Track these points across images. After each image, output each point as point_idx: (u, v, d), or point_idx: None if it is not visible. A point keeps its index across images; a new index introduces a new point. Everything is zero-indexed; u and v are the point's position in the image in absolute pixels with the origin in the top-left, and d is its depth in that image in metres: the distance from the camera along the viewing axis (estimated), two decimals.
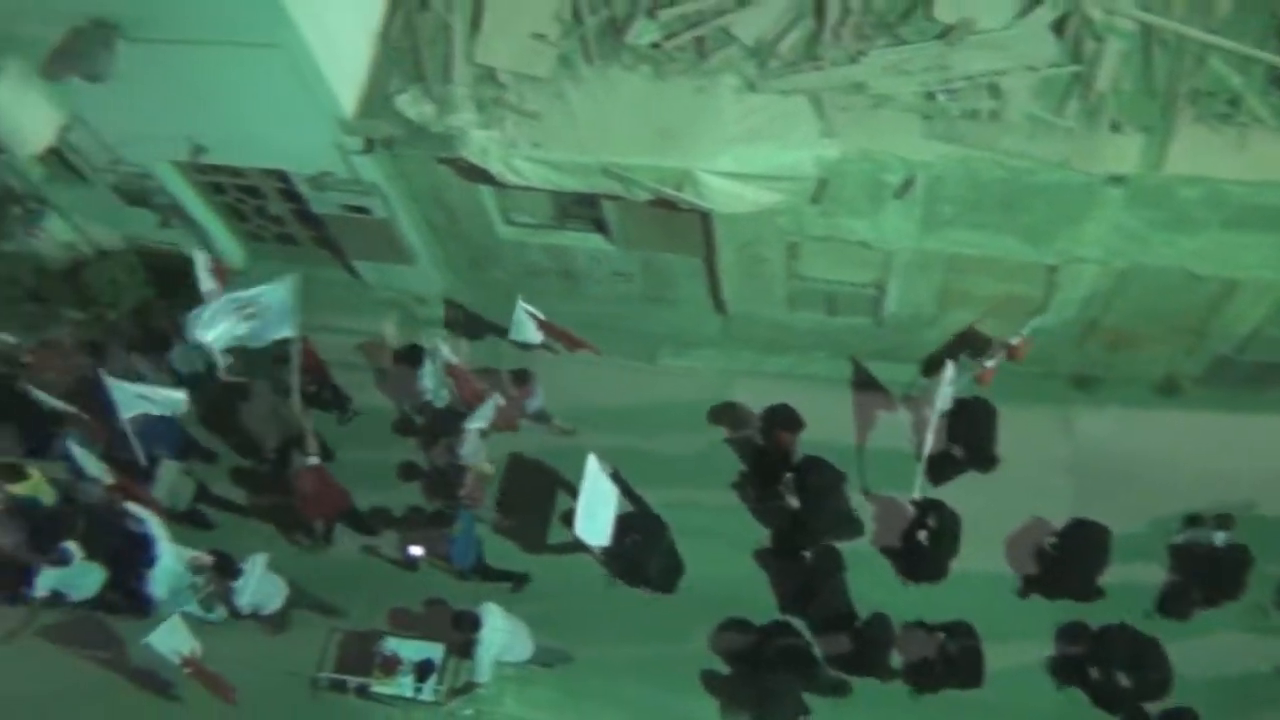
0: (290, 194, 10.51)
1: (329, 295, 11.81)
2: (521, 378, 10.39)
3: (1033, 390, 10.52)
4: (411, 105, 8.64)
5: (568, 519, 9.31)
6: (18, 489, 10.15)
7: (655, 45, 8.37)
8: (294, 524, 10.89)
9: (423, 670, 9.77)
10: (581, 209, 10.12)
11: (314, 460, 9.85)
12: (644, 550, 9.63)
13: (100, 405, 10.02)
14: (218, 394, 10.95)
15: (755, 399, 10.60)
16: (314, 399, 10.93)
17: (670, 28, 8.36)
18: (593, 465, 8.96)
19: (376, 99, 8.76)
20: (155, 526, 9.58)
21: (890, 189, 8.40)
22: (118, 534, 9.96)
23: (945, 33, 7.95)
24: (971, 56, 7.90)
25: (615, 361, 11.24)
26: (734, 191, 8.36)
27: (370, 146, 9.08)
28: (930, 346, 10.57)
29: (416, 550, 9.97)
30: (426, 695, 9.77)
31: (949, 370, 9.41)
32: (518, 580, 10.59)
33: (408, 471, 11.30)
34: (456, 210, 10.30)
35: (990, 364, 9.76)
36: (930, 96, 8.01)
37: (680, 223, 9.45)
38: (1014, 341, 9.64)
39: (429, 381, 10.32)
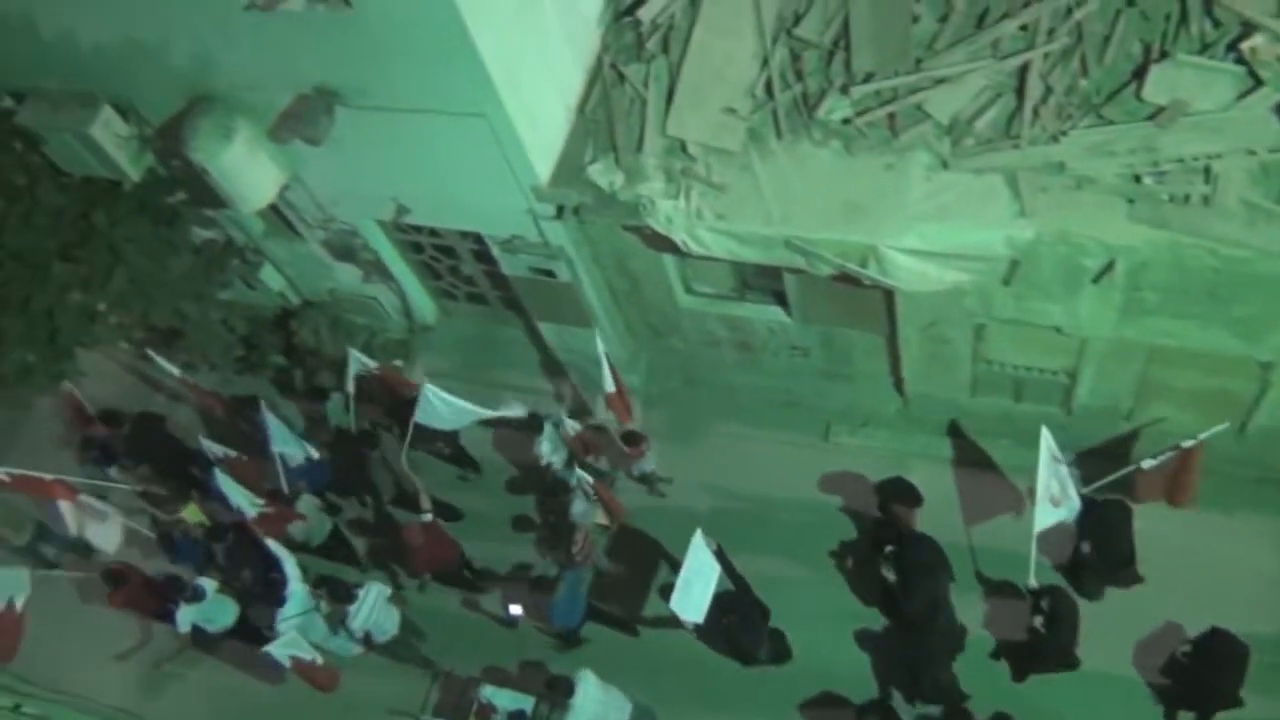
0: (483, 255, 10.94)
1: (510, 354, 12.21)
2: (633, 438, 10.51)
3: (1245, 496, 9.78)
4: (602, 174, 8.87)
5: (665, 592, 9.28)
6: (186, 514, 11.13)
7: (846, 121, 8.35)
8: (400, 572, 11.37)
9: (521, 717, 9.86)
10: (762, 281, 10.10)
11: (427, 517, 10.34)
12: (740, 631, 9.55)
13: (252, 439, 11.10)
14: (350, 441, 11.63)
15: (929, 483, 10.24)
16: (446, 458, 11.67)
17: (862, 104, 8.33)
18: (698, 540, 9.00)
19: (569, 167, 9.04)
20: (290, 564, 10.34)
21: (1088, 273, 8.02)
22: (255, 568, 10.91)
23: (1155, 114, 7.61)
24: (1184, 139, 7.53)
25: (787, 437, 11.14)
26: (920, 269, 8.17)
27: (560, 213, 9.36)
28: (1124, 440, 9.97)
29: (516, 609, 10.17)
30: None
31: (1047, 441, 8.84)
32: (628, 628, 10.62)
33: (522, 523, 11.58)
34: (639, 277, 10.47)
35: (1148, 464, 9.05)
36: (1136, 179, 7.65)
37: (862, 299, 9.29)
38: (1185, 445, 8.84)
39: (547, 446, 10.67)
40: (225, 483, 10.83)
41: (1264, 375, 8.73)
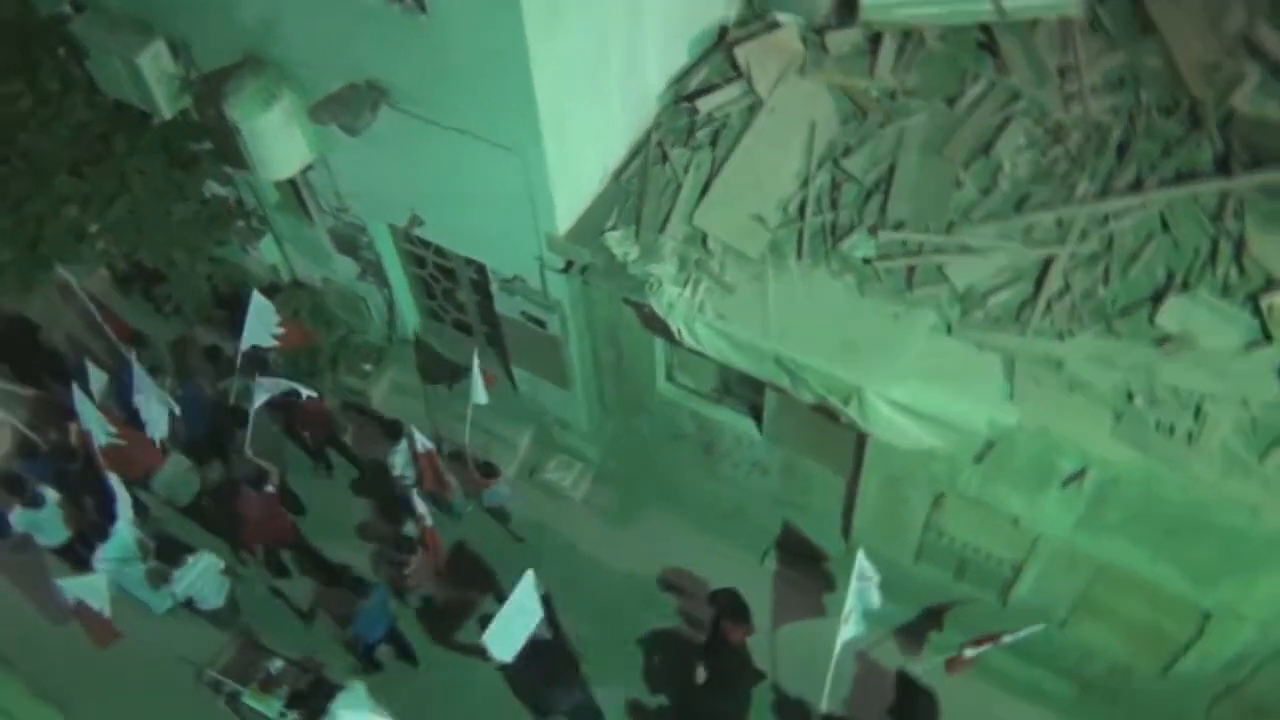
0: (480, 286, 10.88)
1: None
2: (489, 470, 10.80)
3: None
4: (619, 243, 8.87)
5: (484, 622, 9.22)
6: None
7: (867, 261, 8.39)
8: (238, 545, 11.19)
9: (295, 700, 9.95)
10: (743, 390, 10.07)
11: (269, 488, 10.39)
12: (545, 682, 9.52)
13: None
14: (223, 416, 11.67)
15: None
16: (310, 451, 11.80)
17: (886, 249, 8.39)
18: (528, 580, 9.06)
19: (588, 227, 9.04)
20: (123, 505, 10.27)
21: (1058, 474, 8.02)
22: (97, 498, 10.78)
23: (1163, 341, 7.68)
24: (1184, 372, 7.59)
25: (722, 548, 11.06)
26: (899, 423, 8.14)
27: (568, 268, 9.34)
28: (1052, 646, 9.87)
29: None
30: None
31: (860, 562, 8.94)
32: (412, 661, 10.70)
33: (366, 531, 11.60)
34: (625, 352, 10.41)
35: (970, 654, 9.10)
36: (1129, 397, 7.68)
37: (834, 435, 9.25)
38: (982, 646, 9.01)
39: (399, 459, 10.71)
40: (82, 401, 10.56)
41: (1201, 622, 8.68)
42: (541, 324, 10.37)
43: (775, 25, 9.43)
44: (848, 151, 8.81)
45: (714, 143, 9.07)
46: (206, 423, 11.66)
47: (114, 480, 10.37)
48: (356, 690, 9.22)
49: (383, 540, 10.99)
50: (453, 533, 11.19)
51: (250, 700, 10.03)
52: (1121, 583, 8.85)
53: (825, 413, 8.57)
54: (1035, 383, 7.84)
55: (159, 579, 10.25)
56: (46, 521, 10.79)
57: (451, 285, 11.40)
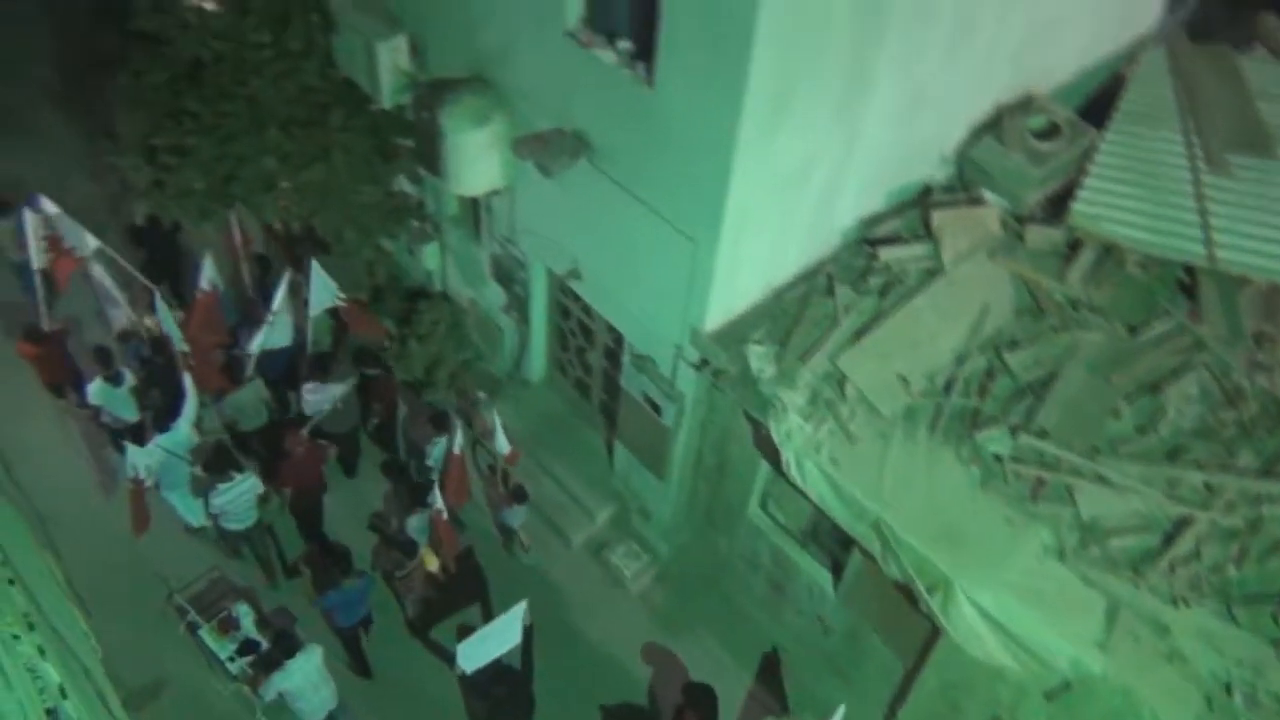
0: (612, 355, 10.93)
1: (575, 453, 12.07)
2: (519, 494, 10.95)
3: None
4: (758, 357, 8.79)
5: (461, 632, 9.62)
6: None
7: (998, 458, 8.10)
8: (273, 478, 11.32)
9: (246, 648, 10.13)
10: (830, 542, 9.77)
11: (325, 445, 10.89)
12: (501, 707, 9.66)
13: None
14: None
15: None
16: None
17: (1022, 453, 8.08)
18: (519, 609, 9.28)
19: (734, 332, 9.00)
20: (189, 406, 10.83)
21: None
22: (166, 394, 11.35)
23: None
24: None
25: (752, 687, 10.80)
26: (979, 630, 7.74)
27: (702, 365, 9.30)
28: None
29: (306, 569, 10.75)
30: (233, 668, 10.15)
31: None
32: (362, 673, 10.79)
33: (375, 521, 11.79)
34: (729, 465, 10.26)
35: None
36: (1227, 688, 7.13)
37: (908, 619, 8.85)
38: None
39: (436, 450, 11.02)
40: (162, 309, 11.18)
41: None
42: (658, 410, 10.32)
43: (978, 201, 9.36)
44: (1014, 345, 8.58)
45: (883, 293, 8.97)
46: (287, 361, 12.06)
47: (189, 382, 10.95)
48: (314, 655, 9.45)
49: (387, 538, 11.10)
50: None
51: (205, 636, 10.37)
52: None
53: (907, 593, 8.23)
54: (1134, 639, 7.36)
55: (203, 487, 10.63)
56: (120, 399, 11.35)
57: (586, 345, 11.49)
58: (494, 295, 11.97)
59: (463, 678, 9.29)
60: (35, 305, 11.76)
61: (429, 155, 10.09)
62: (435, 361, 12.15)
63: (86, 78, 14.11)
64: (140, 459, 10.29)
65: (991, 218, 9.18)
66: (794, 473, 8.55)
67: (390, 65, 9.98)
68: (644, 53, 7.98)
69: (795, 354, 8.75)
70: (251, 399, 11.63)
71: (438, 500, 10.10)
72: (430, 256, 12.49)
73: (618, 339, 10.61)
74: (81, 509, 11.51)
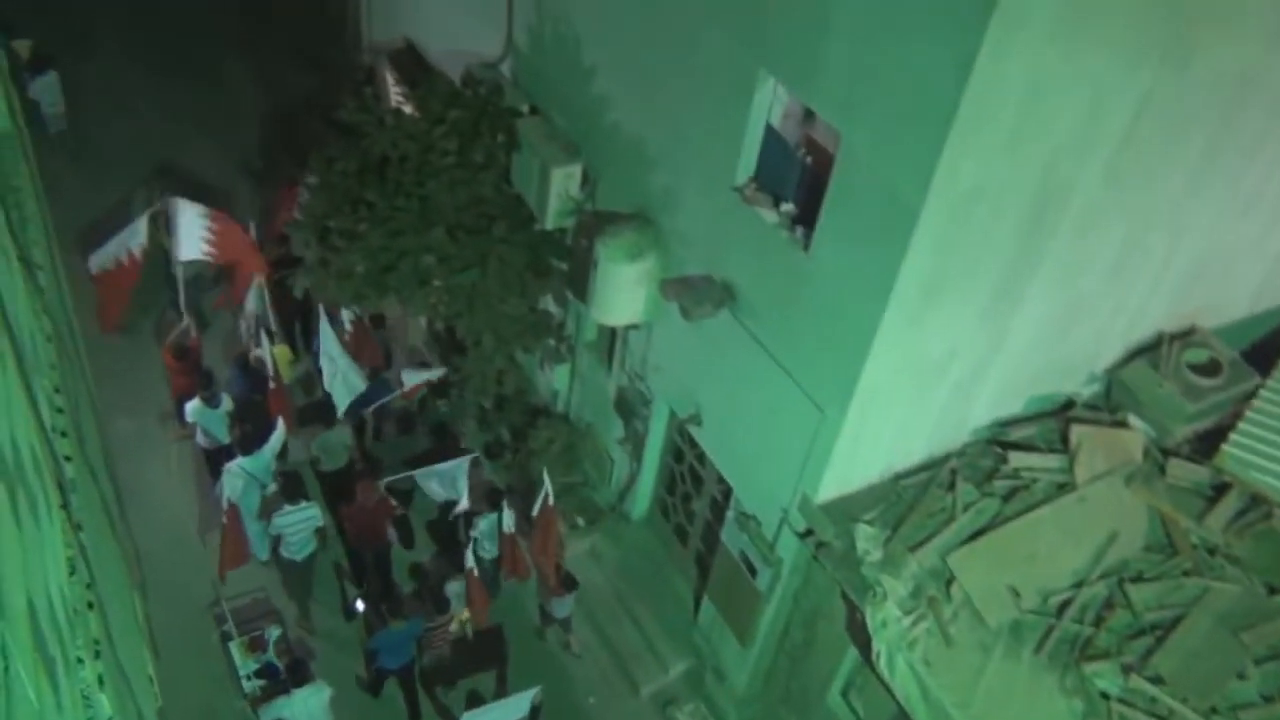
0: (717, 508, 10.78)
1: (663, 601, 11.82)
2: (570, 582, 11.06)
3: None
4: (865, 539, 8.53)
5: (471, 700, 10.35)
6: (277, 351, 12.49)
7: (1105, 696, 7.57)
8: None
9: (266, 670, 10.41)
10: None
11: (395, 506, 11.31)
12: None
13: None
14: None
15: None
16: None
17: (1131, 696, 7.54)
18: (530, 693, 9.77)
19: (845, 508, 8.79)
20: (276, 439, 11.35)
21: None
22: (257, 425, 11.94)
23: None
24: None
25: None
26: None
27: (806, 535, 9.07)
28: None
29: (360, 605, 11.12)
30: (247, 686, 10.38)
31: None
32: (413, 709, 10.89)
33: (415, 572, 12.01)
34: (815, 643, 9.86)
35: None
36: None
37: None
38: None
39: (484, 524, 11.22)
40: (266, 345, 12.07)
41: None
42: (753, 572, 10.07)
43: (1122, 424, 9.05)
44: (1139, 579, 8.12)
45: (1007, 498, 8.65)
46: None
47: (280, 421, 11.58)
48: (322, 692, 9.70)
49: (423, 590, 11.30)
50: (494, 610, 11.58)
51: (234, 648, 10.66)
52: None
53: None
54: None
55: (270, 507, 11.03)
56: (216, 420, 11.98)
57: (693, 492, 11.39)
58: (613, 426, 12.03)
59: None
60: (179, 314, 12.83)
61: (579, 280, 10.37)
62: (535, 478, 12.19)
63: (282, 155, 15.09)
64: (227, 484, 10.78)
65: (1134, 443, 8.83)
66: (883, 665, 8.16)
67: (560, 190, 10.39)
68: (805, 218, 8.12)
69: (905, 542, 8.46)
70: (336, 442, 12.19)
71: (470, 561, 10.56)
72: (560, 377, 12.69)
73: (726, 492, 10.48)
74: (175, 553, 11.81)
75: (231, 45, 17.54)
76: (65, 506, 4.04)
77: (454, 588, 11.01)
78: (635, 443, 11.77)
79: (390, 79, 14.32)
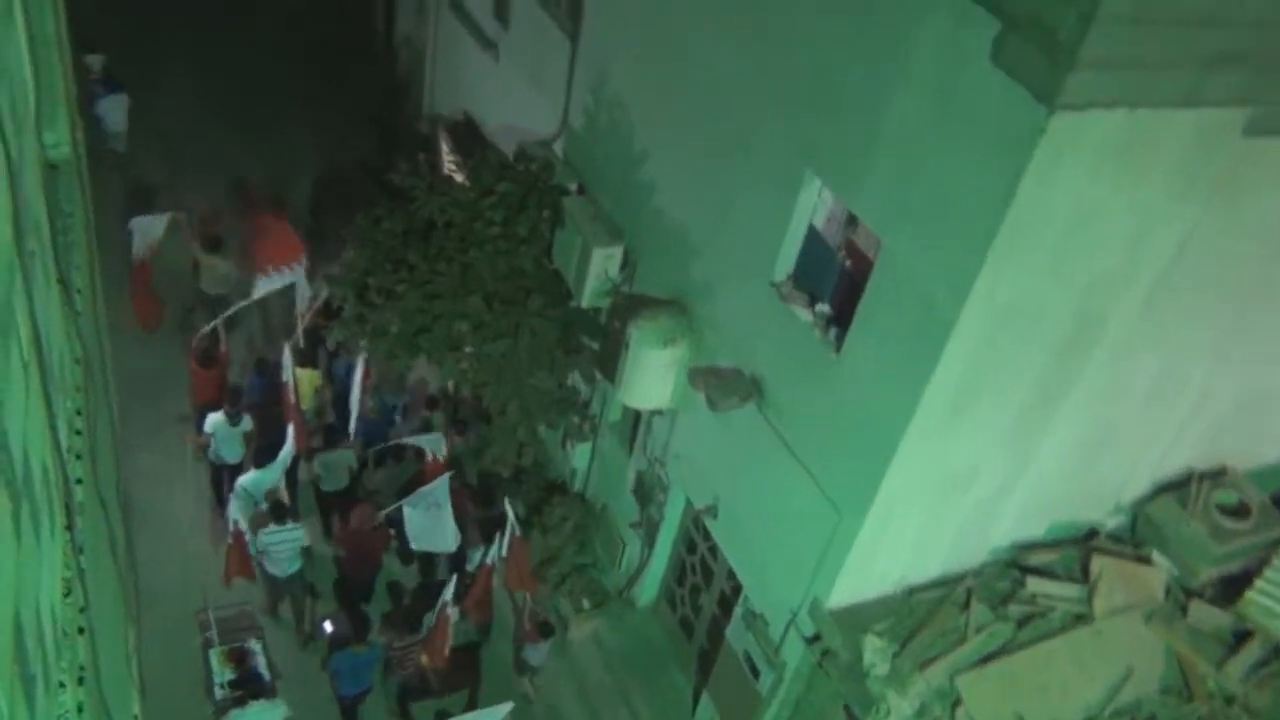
0: (724, 604, 10.60)
1: (660, 692, 11.58)
2: (545, 629, 11.09)
3: None
4: (873, 651, 8.34)
5: (439, 716, 10.42)
6: (307, 374, 12.74)
7: None
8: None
9: (244, 682, 10.25)
10: None
11: (380, 518, 11.35)
12: None
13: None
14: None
15: None
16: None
17: None
18: (503, 709, 9.83)
19: (854, 616, 8.61)
20: (286, 453, 11.61)
21: None
22: (271, 439, 12.04)
23: None
24: None
25: None
26: None
27: (814, 640, 8.89)
28: None
29: (329, 627, 11.01)
30: (218, 694, 10.28)
31: None
32: None
33: (393, 590, 11.84)
34: None
35: None
36: None
37: None
38: None
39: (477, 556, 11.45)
40: (288, 365, 12.13)
41: None
42: (756, 673, 9.85)
43: (1146, 560, 8.87)
44: None
45: (1022, 624, 8.45)
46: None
47: (291, 433, 11.75)
48: (276, 709, 9.73)
49: (398, 610, 11.27)
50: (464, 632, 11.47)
51: (213, 656, 10.65)
52: None
53: None
54: None
55: (258, 524, 11.10)
56: (231, 438, 12.06)
57: (702, 585, 11.22)
58: (627, 509, 11.93)
59: None
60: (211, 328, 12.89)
61: (609, 360, 10.39)
62: (553, 556, 12.07)
63: (331, 212, 15.36)
64: (235, 504, 11.06)
65: (1156, 580, 8.63)
66: None
67: (600, 270, 10.49)
68: (839, 320, 8.12)
69: (913, 659, 8.25)
70: (340, 462, 12.30)
71: (448, 595, 10.42)
72: (581, 455, 12.64)
73: (735, 588, 10.31)
74: (178, 591, 11.66)
75: (299, 102, 17.98)
76: (70, 528, 4.04)
77: (428, 618, 10.96)
78: (649, 528, 11.66)
79: (445, 147, 14.65)
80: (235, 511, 11.07)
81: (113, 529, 6.54)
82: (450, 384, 13.09)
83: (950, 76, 6.55)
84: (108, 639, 5.19)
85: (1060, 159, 6.16)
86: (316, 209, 16.26)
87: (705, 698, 11.02)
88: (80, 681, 3.76)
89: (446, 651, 10.77)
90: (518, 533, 11.22)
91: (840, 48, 7.45)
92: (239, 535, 11.05)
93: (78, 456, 4.80)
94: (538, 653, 11.32)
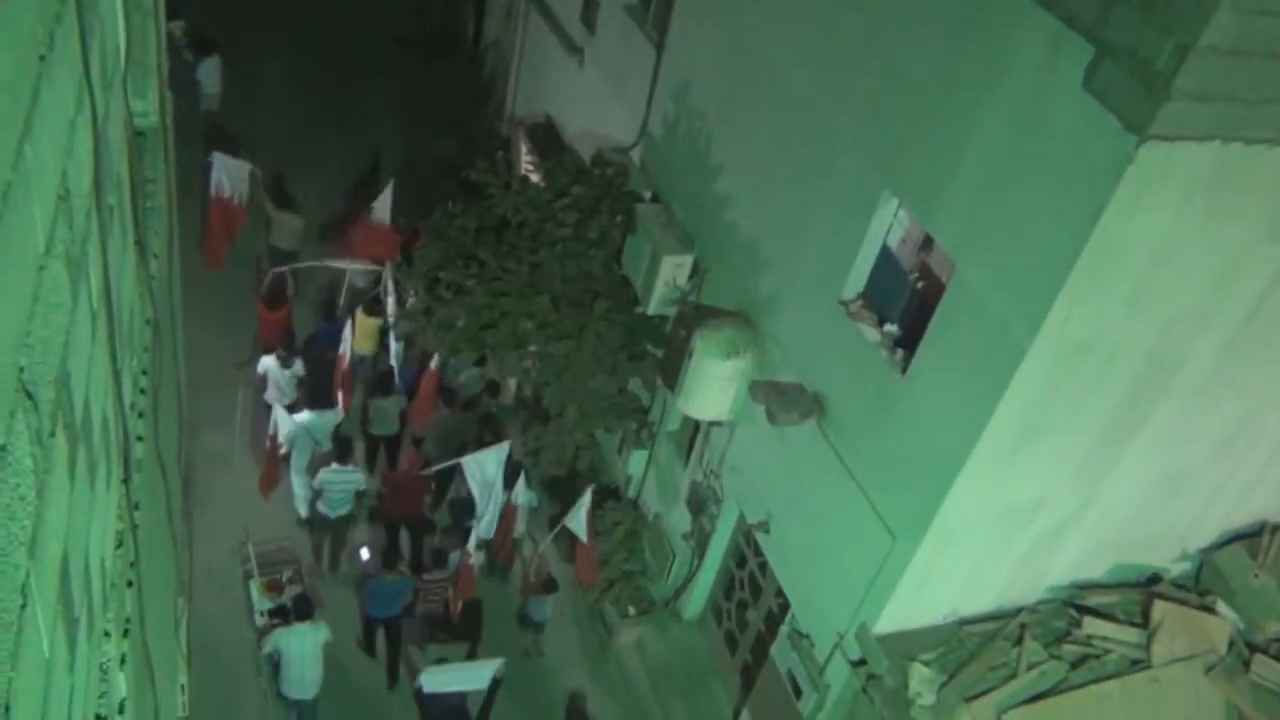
0: (772, 621, 10.48)
1: (702, 711, 11.49)
2: (550, 585, 11.33)
3: None
4: (920, 679, 8.20)
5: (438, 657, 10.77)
6: (370, 322, 13.13)
7: None
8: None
9: (280, 611, 10.62)
10: None
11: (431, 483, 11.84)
12: None
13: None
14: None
15: None
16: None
17: None
18: (495, 662, 9.99)
19: (902, 643, 8.48)
20: (338, 410, 12.17)
21: None
22: (324, 381, 12.68)
23: None
24: None
25: None
26: None
27: (859, 665, 8.75)
28: None
29: (365, 554, 11.62)
30: (258, 622, 10.78)
31: None
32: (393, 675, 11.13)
33: (454, 507, 12.30)
34: None
35: None
36: None
37: None
38: None
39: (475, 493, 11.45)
40: (347, 337, 12.49)
41: None
42: (799, 694, 9.72)
43: (1209, 609, 8.59)
44: None
45: (1076, 664, 8.24)
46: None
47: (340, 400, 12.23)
48: (319, 631, 9.90)
49: (451, 527, 11.89)
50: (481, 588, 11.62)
51: (253, 586, 11.11)
52: None
53: None
54: None
55: (319, 463, 11.52)
56: (284, 379, 12.44)
57: (750, 600, 11.11)
58: (680, 520, 11.88)
59: (418, 693, 9.87)
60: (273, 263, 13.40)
61: (671, 369, 10.38)
62: (603, 561, 12.06)
63: (407, 208, 15.59)
64: (284, 426, 11.37)
65: (1220, 631, 8.35)
66: None
67: (668, 277, 10.48)
68: (907, 341, 8.01)
69: (960, 691, 8.08)
70: (391, 408, 12.64)
71: (471, 543, 10.78)
72: (636, 462, 12.62)
73: (783, 606, 10.20)
74: (229, 582, 11.88)
75: (386, 101, 18.29)
76: (126, 482, 4.12)
77: (455, 559, 11.28)
78: (700, 540, 11.59)
79: (524, 148, 14.77)
80: (277, 428, 11.33)
81: (170, 492, 6.67)
82: (512, 381, 13.16)
83: (1040, 101, 6.44)
84: (155, 598, 5.29)
85: (1146, 191, 6.02)
86: (394, 203, 16.51)
87: (745, 714, 10.90)
88: (125, 633, 3.83)
89: (472, 591, 11.12)
90: (514, 502, 11.45)
91: (931, 68, 7.37)
92: (274, 446, 11.38)
93: (140, 415, 4.90)
94: (541, 608, 11.52)
